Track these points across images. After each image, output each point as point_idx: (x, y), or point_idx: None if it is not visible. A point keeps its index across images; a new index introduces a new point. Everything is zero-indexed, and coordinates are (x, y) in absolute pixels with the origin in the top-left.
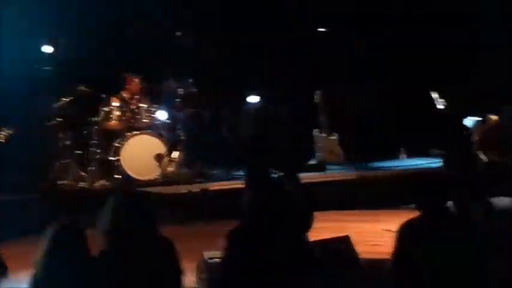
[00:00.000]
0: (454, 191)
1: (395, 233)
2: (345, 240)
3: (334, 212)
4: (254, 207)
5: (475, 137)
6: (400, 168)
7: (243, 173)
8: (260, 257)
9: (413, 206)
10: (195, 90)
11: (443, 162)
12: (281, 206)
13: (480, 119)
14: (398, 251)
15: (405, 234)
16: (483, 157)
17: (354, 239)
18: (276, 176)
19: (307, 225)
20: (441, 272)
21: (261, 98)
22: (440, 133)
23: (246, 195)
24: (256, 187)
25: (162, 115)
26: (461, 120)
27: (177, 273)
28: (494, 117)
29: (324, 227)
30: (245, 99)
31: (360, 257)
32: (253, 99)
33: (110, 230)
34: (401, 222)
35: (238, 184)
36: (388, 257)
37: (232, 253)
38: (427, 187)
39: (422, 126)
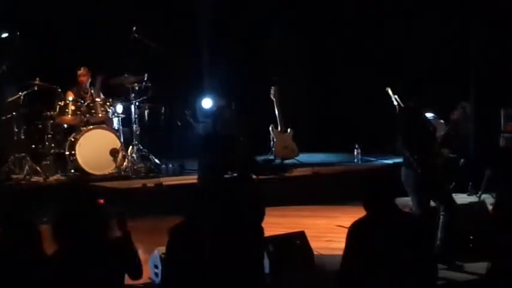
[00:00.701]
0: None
1: (347, 230)
2: (300, 236)
3: (290, 207)
4: (199, 202)
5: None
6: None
7: (197, 169)
8: (203, 253)
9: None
10: (151, 84)
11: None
12: (229, 201)
13: (434, 116)
14: (349, 247)
15: (356, 231)
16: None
17: (309, 234)
18: (229, 174)
19: (257, 220)
20: (383, 270)
21: (216, 94)
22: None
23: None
24: (205, 183)
25: (117, 109)
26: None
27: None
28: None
29: (279, 223)
30: (202, 93)
31: (314, 252)
32: (208, 96)
33: (58, 224)
34: (353, 219)
35: (193, 179)
36: (341, 253)
37: (172, 249)
38: (372, 185)
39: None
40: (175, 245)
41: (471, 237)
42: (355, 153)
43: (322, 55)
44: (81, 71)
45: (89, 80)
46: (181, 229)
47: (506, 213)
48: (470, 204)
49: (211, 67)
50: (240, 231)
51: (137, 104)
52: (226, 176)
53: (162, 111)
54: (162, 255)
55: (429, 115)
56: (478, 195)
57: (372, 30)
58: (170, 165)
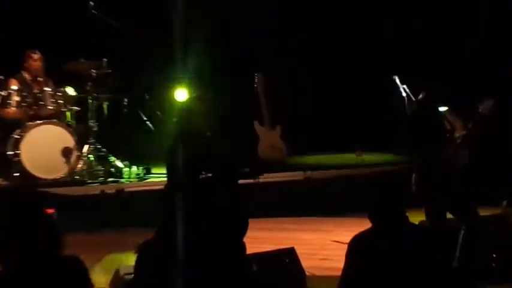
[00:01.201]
0: None
1: (346, 246)
2: (290, 253)
3: (277, 219)
4: (169, 213)
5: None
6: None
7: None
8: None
9: (365, 212)
10: (111, 71)
11: None
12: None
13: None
14: (349, 267)
15: (357, 248)
16: None
17: (299, 251)
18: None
19: (239, 233)
20: None
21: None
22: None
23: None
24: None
25: (71, 101)
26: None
27: None
28: None
29: (264, 237)
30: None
31: (306, 273)
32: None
33: None
34: (348, 233)
35: (161, 185)
36: (337, 273)
37: (141, 272)
38: (381, 193)
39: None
40: (144, 265)
41: (494, 255)
42: (356, 155)
43: (317, 40)
44: (37, 55)
45: (38, 65)
46: (151, 246)
47: None
48: (494, 216)
49: (185, 51)
50: (216, 249)
51: (95, 95)
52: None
53: (125, 103)
54: (126, 277)
55: (442, 109)
56: (504, 205)
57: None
58: (134, 168)
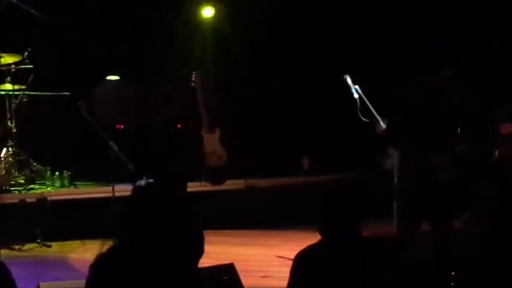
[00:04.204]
0: None
1: (291, 262)
2: (229, 270)
3: (215, 231)
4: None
5: None
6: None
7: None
8: None
9: (314, 226)
10: (33, 66)
11: None
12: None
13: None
14: (293, 286)
15: (303, 265)
16: None
17: (239, 268)
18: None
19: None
20: None
21: (122, 77)
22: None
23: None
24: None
25: None
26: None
27: None
28: None
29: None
30: (103, 79)
31: None
32: (113, 77)
33: None
34: (298, 248)
35: (88, 192)
36: None
37: None
38: (332, 204)
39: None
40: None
41: (453, 273)
42: (303, 162)
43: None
44: None
45: None
46: (106, 262)
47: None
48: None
49: (116, 42)
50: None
51: (14, 92)
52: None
53: (48, 102)
54: None
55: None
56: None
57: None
58: (57, 174)
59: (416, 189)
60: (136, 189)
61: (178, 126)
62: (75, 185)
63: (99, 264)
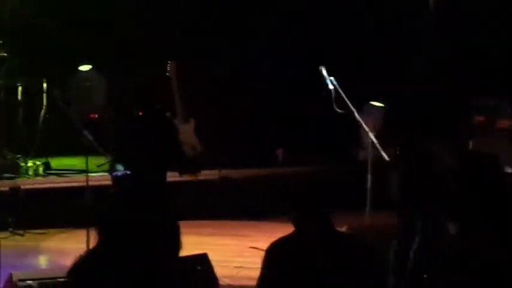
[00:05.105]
0: None
1: (264, 253)
2: (202, 260)
3: (188, 222)
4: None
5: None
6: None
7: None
8: None
9: (287, 217)
10: (6, 54)
11: None
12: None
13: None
14: (265, 277)
15: (275, 256)
16: None
17: (213, 258)
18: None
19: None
20: None
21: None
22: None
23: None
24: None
25: None
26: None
27: None
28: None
29: None
30: (76, 69)
31: (219, 282)
32: (85, 67)
33: None
34: (270, 239)
35: (62, 182)
36: (253, 283)
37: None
38: (306, 195)
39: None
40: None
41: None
42: (278, 153)
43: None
44: None
45: None
46: (86, 265)
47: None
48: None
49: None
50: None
51: None
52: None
53: (21, 90)
54: (20, 283)
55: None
56: None
57: None
58: (31, 164)
59: (418, 179)
60: (116, 183)
61: (148, 114)
62: (48, 174)
63: (79, 268)
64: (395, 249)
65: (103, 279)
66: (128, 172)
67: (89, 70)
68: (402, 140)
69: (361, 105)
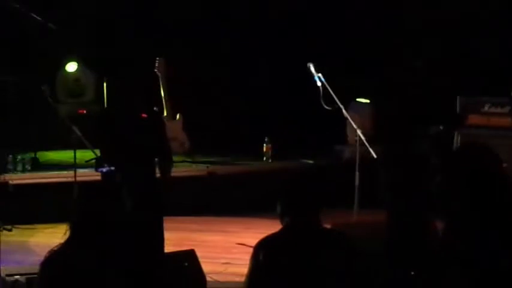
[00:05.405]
0: None
1: (252, 250)
2: (189, 256)
3: (175, 218)
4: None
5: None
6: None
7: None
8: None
9: (273, 214)
10: None
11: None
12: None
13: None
14: (253, 274)
15: (264, 253)
16: None
17: (200, 254)
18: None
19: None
20: None
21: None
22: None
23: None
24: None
25: None
26: None
27: None
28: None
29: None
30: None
31: (207, 278)
32: (72, 66)
33: None
34: (256, 235)
35: (51, 177)
36: (241, 279)
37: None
38: (294, 192)
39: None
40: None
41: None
42: (265, 149)
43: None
44: None
45: None
46: (61, 259)
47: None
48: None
49: (76, 28)
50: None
51: None
52: None
53: (10, 86)
54: (8, 278)
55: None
56: None
57: None
58: (19, 158)
59: (409, 181)
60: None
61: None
62: (37, 169)
63: (50, 260)
64: (384, 246)
65: (76, 275)
66: (113, 168)
67: (77, 68)
68: (390, 138)
69: (348, 102)
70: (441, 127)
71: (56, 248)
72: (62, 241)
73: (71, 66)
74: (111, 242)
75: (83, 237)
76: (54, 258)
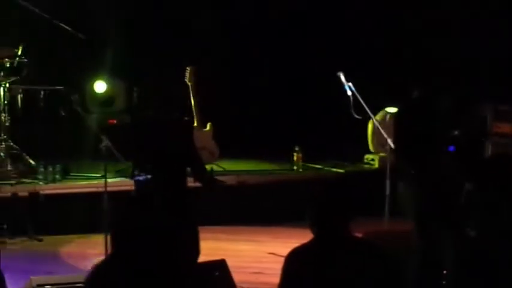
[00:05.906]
0: None
1: (283, 260)
2: (220, 266)
3: (206, 227)
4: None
5: None
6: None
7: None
8: None
9: (304, 222)
10: (27, 60)
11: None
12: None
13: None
14: (285, 285)
15: (295, 263)
16: None
17: (231, 264)
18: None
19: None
20: None
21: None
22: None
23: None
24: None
25: None
26: None
27: None
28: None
29: None
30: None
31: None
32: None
33: None
34: (285, 245)
35: (81, 187)
36: None
37: None
38: (326, 200)
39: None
40: None
41: (444, 271)
42: (295, 158)
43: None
44: None
45: None
46: (107, 270)
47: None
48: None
49: (106, 38)
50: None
51: (7, 85)
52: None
53: (41, 96)
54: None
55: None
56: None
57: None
58: (50, 169)
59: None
60: (137, 187)
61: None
62: (67, 179)
63: (96, 275)
64: (415, 262)
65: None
66: (149, 176)
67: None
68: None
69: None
70: (456, 132)
71: (100, 263)
72: (97, 251)
73: (100, 87)
74: (151, 253)
75: (125, 251)
76: (100, 273)
